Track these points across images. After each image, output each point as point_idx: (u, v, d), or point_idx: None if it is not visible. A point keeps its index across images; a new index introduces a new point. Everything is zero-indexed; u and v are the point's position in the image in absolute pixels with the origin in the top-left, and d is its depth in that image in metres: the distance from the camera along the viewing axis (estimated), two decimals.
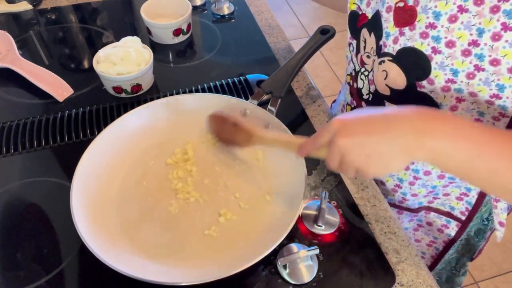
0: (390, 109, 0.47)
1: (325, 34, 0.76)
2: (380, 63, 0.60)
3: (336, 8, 0.83)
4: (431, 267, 0.83)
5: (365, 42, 0.64)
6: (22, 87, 0.81)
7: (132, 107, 0.70)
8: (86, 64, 0.89)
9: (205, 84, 0.82)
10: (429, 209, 0.75)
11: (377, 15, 0.59)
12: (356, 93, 0.70)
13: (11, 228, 0.62)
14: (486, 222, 0.73)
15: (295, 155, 0.56)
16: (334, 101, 0.95)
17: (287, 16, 2.65)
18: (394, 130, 0.45)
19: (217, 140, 0.68)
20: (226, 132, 0.64)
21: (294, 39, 2.42)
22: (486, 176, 0.45)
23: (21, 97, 0.80)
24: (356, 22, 0.65)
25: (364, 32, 0.63)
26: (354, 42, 0.67)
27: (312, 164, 0.69)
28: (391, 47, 0.57)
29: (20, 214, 0.63)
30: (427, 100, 0.57)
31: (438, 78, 0.54)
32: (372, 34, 0.61)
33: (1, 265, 0.58)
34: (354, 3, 0.65)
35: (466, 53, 0.51)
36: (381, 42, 0.59)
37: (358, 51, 0.67)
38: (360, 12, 0.63)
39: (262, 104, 0.70)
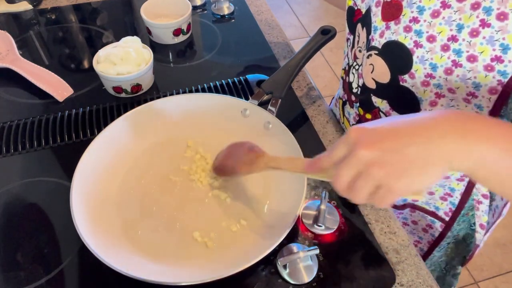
0: (417, 114, 0.42)
1: (326, 34, 0.76)
2: (368, 57, 0.61)
3: (334, 3, 0.84)
4: None
5: (359, 37, 0.65)
6: (22, 87, 0.81)
7: (132, 107, 0.70)
8: (86, 64, 0.89)
9: (205, 84, 0.82)
10: (414, 207, 0.76)
11: (369, 10, 0.60)
12: (347, 87, 0.71)
13: (11, 228, 0.62)
14: (473, 227, 0.73)
15: (304, 173, 0.51)
16: (333, 98, 0.96)
17: (287, 16, 2.65)
18: (430, 132, 0.39)
19: (217, 171, 0.64)
20: (234, 155, 0.60)
21: (294, 39, 2.42)
22: None
23: (21, 97, 0.80)
24: (353, 17, 0.66)
25: (359, 27, 0.64)
26: (351, 37, 0.68)
27: None
28: (378, 41, 0.58)
29: (20, 214, 0.63)
30: (409, 95, 0.57)
31: (418, 72, 0.54)
32: (364, 29, 0.62)
33: (1, 265, 0.58)
34: None
35: (445, 48, 0.51)
36: (370, 36, 0.60)
37: (353, 46, 0.68)
38: (356, 8, 0.64)
39: (263, 104, 0.70)
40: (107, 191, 0.63)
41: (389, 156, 0.39)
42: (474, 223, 0.72)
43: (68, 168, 0.64)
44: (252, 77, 0.83)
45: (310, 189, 0.66)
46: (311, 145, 0.72)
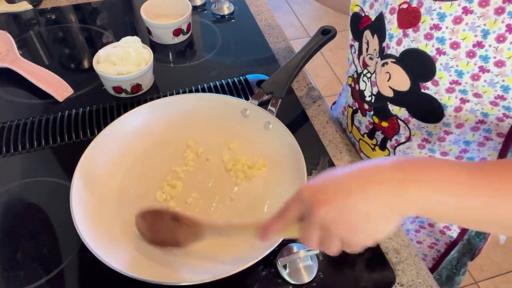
0: (363, 163, 0.43)
1: (326, 34, 0.76)
2: (383, 65, 0.60)
3: (336, 8, 0.83)
4: (432, 269, 0.83)
5: (367, 44, 0.64)
6: (22, 87, 0.81)
7: (132, 107, 0.70)
8: (86, 64, 0.89)
9: (205, 84, 0.82)
10: None
11: (380, 17, 0.59)
12: (358, 95, 0.70)
13: (11, 228, 0.62)
14: None
15: (256, 240, 0.47)
16: (334, 103, 0.95)
17: (287, 16, 2.65)
18: (371, 186, 0.40)
19: (152, 244, 0.56)
20: (163, 232, 0.54)
21: (294, 39, 2.42)
22: (479, 215, 0.41)
23: (21, 97, 0.80)
24: (359, 24, 0.65)
25: (367, 33, 0.63)
26: (356, 44, 0.67)
27: (312, 164, 0.69)
28: (395, 49, 0.57)
29: (20, 214, 0.63)
30: (431, 102, 0.57)
31: (442, 79, 0.54)
32: (375, 36, 0.61)
33: (1, 265, 0.58)
34: (356, 5, 0.65)
35: (470, 54, 0.51)
36: (384, 44, 0.59)
37: (360, 53, 0.66)
38: (363, 14, 0.63)
39: (263, 104, 0.70)
40: (107, 191, 0.63)
41: (343, 214, 0.41)
42: None
43: (68, 168, 0.64)
44: (252, 77, 0.83)
45: None
46: (311, 145, 0.72)
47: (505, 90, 0.51)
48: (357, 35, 0.66)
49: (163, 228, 0.54)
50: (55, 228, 0.61)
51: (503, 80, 0.50)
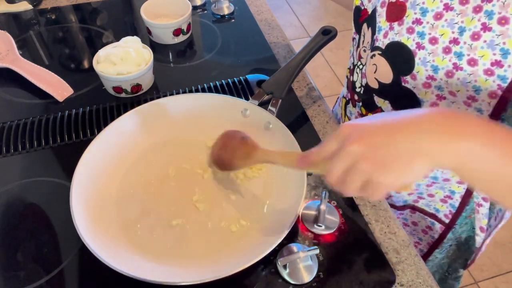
0: (408, 111, 0.43)
1: (326, 34, 0.76)
2: (371, 57, 0.61)
3: (341, 2, 0.83)
4: (428, 254, 0.83)
5: (364, 36, 0.65)
6: (22, 87, 0.81)
7: (132, 107, 0.70)
8: (86, 64, 0.89)
9: (205, 84, 0.82)
10: (414, 208, 0.76)
11: (375, 10, 0.60)
12: (351, 86, 0.71)
13: (11, 228, 0.62)
14: (475, 229, 0.73)
15: (296, 167, 0.51)
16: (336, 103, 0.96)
17: (287, 16, 2.65)
18: (417, 129, 0.39)
19: (216, 164, 0.63)
20: (230, 147, 0.60)
21: (294, 39, 2.42)
22: None
23: (21, 97, 0.80)
24: (359, 17, 0.66)
25: (364, 27, 0.64)
26: (357, 36, 0.68)
27: None
28: (381, 41, 0.58)
29: (20, 214, 0.63)
30: (411, 96, 0.58)
31: (420, 73, 0.55)
32: (370, 29, 0.62)
33: (1, 265, 0.58)
34: None
35: (446, 50, 0.51)
36: (374, 37, 0.60)
37: (358, 45, 0.68)
38: (363, 7, 0.64)
39: (263, 105, 0.70)
40: (107, 191, 0.63)
41: (377, 150, 0.40)
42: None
43: (68, 168, 0.64)
44: (252, 77, 0.83)
45: (310, 189, 0.66)
46: (311, 145, 0.71)
47: (477, 90, 0.52)
48: (358, 28, 0.68)
49: (229, 144, 0.60)
50: (55, 228, 0.61)
51: (475, 81, 0.51)
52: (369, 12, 0.63)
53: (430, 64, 0.53)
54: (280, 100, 0.70)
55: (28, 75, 0.81)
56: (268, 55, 0.90)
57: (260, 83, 0.77)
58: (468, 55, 0.50)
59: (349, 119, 0.74)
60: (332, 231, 0.60)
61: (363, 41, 0.65)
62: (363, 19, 0.65)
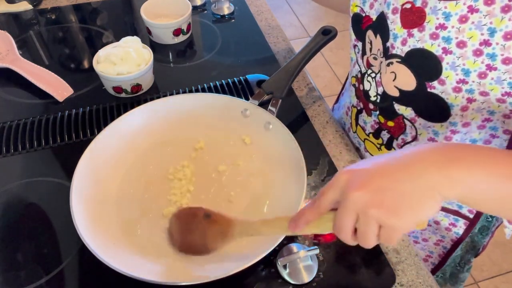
0: (401, 150, 0.43)
1: (327, 34, 0.76)
2: (388, 65, 0.60)
3: (335, 8, 0.83)
4: (438, 266, 0.83)
5: (371, 44, 0.64)
6: (22, 87, 0.81)
7: (132, 107, 0.70)
8: (86, 64, 0.89)
9: (205, 84, 0.82)
10: None
11: (382, 17, 0.59)
12: (362, 95, 0.70)
13: (11, 228, 0.62)
14: (490, 219, 0.72)
15: (288, 232, 0.45)
16: (335, 102, 0.95)
17: (287, 16, 2.65)
18: (414, 167, 0.39)
19: (180, 250, 0.55)
20: (194, 231, 0.53)
21: (294, 39, 2.42)
22: None
23: (21, 97, 0.80)
24: (361, 24, 0.65)
25: (370, 33, 0.63)
26: (360, 44, 0.67)
27: (312, 164, 0.69)
28: (400, 49, 0.57)
29: (20, 214, 0.63)
30: (438, 101, 0.57)
31: (449, 78, 0.54)
32: (378, 36, 0.61)
33: (1, 265, 0.58)
34: (356, 6, 0.65)
35: (477, 53, 0.51)
36: (388, 44, 0.59)
37: (364, 53, 0.66)
38: (364, 14, 0.63)
39: (263, 105, 0.70)
40: (107, 191, 0.63)
41: (383, 194, 0.38)
42: (491, 215, 0.71)
43: (68, 168, 0.64)
44: (252, 77, 0.83)
45: (310, 189, 0.66)
46: (311, 145, 0.72)
47: None
48: (360, 35, 0.66)
49: (194, 227, 0.52)
50: (55, 228, 0.61)
51: (510, 77, 0.50)
52: (374, 19, 0.61)
53: (461, 68, 0.52)
54: (280, 100, 0.70)
55: (28, 75, 0.81)
56: (268, 55, 0.90)
57: (260, 83, 0.77)
58: (502, 55, 0.49)
59: (363, 129, 0.73)
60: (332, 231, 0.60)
61: (371, 49, 0.64)
62: (366, 26, 0.64)
